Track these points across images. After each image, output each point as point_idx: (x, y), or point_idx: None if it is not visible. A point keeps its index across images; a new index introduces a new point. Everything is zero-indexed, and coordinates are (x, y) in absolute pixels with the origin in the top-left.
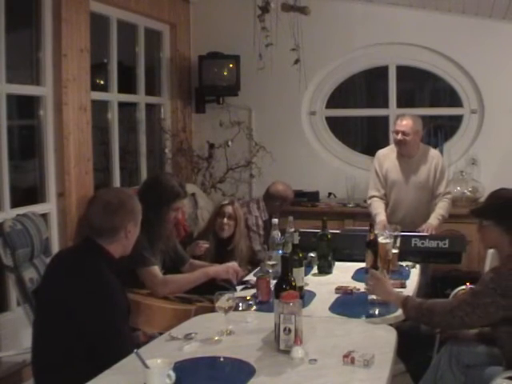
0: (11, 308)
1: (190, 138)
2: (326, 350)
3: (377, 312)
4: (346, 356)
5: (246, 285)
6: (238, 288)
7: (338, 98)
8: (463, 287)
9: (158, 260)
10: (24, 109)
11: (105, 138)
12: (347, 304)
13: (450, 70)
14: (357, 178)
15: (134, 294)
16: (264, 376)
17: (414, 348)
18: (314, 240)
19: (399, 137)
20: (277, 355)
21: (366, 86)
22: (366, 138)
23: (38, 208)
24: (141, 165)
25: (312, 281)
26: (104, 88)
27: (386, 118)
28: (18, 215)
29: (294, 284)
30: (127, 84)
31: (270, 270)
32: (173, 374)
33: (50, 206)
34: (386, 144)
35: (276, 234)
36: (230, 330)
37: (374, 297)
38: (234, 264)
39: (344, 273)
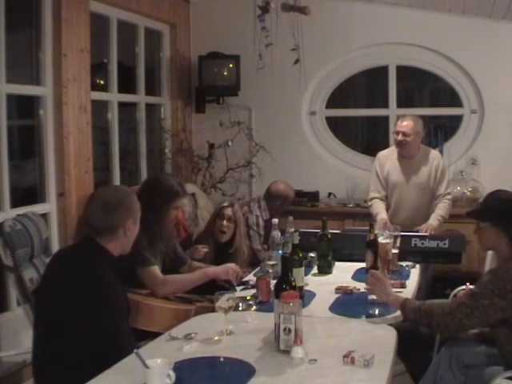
0: (11, 308)
1: (190, 138)
2: (326, 350)
3: (377, 312)
4: (345, 356)
5: (246, 285)
6: (238, 288)
7: (337, 98)
8: (463, 287)
9: (158, 260)
10: (24, 109)
11: (105, 138)
12: (347, 304)
13: (450, 70)
14: (357, 178)
15: (134, 294)
16: (264, 376)
17: (413, 348)
18: (314, 240)
19: (400, 137)
20: (277, 355)
21: (365, 85)
22: (366, 138)
23: (37, 208)
24: (141, 165)
25: (312, 281)
26: (104, 88)
27: (385, 118)
28: (18, 215)
29: (294, 284)
30: (127, 84)
31: (270, 270)
32: (173, 374)
33: (49, 206)
34: (385, 144)
35: (276, 234)
36: (230, 329)
37: (373, 297)
38: (233, 265)
39: (344, 273)
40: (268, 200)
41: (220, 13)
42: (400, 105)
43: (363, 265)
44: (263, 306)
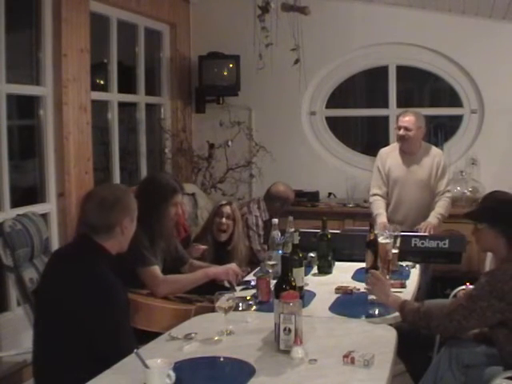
0: (11, 308)
1: (190, 138)
2: (326, 350)
3: (377, 312)
4: (346, 356)
5: (247, 285)
6: (238, 288)
7: (337, 98)
8: (463, 287)
9: (159, 260)
10: (24, 109)
11: (105, 138)
12: (347, 304)
13: (450, 70)
14: (357, 178)
15: (134, 294)
16: (264, 376)
17: (413, 348)
18: (314, 240)
19: (401, 132)
20: (277, 355)
21: (365, 85)
22: (366, 138)
23: (37, 208)
24: (141, 165)
25: (312, 281)
26: (104, 88)
27: (385, 118)
28: (18, 215)
29: (293, 284)
30: (127, 84)
31: (270, 270)
32: (173, 374)
33: (50, 206)
34: (385, 144)
35: (276, 234)
36: (230, 329)
37: (373, 297)
38: (233, 265)
39: (344, 273)
40: (268, 201)
41: (220, 13)
42: (400, 105)
43: (363, 265)
44: (263, 305)
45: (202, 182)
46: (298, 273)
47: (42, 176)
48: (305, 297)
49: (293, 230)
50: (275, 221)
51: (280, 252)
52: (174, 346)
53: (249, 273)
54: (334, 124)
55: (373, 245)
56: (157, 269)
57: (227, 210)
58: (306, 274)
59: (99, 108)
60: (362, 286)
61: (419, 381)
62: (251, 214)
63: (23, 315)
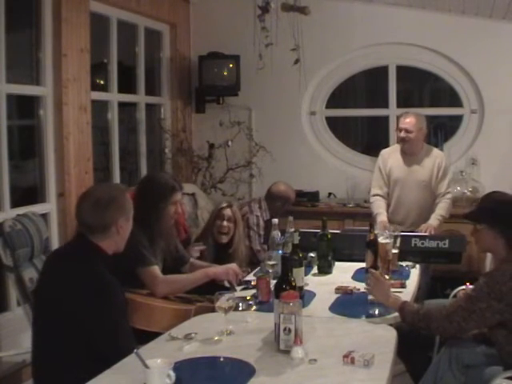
0: (11, 308)
1: (190, 138)
2: (326, 350)
3: (377, 312)
4: (346, 356)
5: (248, 285)
6: (238, 288)
7: (338, 98)
8: (463, 287)
9: (159, 259)
10: (24, 109)
11: (105, 138)
12: (347, 304)
13: (450, 70)
14: (357, 178)
15: (134, 294)
16: (264, 376)
17: (413, 348)
18: (314, 240)
19: (402, 134)
20: (277, 355)
21: (365, 86)
22: (366, 138)
23: (37, 208)
24: (141, 165)
25: (312, 281)
26: (104, 88)
27: (386, 118)
28: (18, 215)
29: (293, 284)
30: (127, 84)
31: (270, 270)
32: (173, 374)
33: (50, 206)
34: (385, 144)
35: (276, 234)
36: (230, 329)
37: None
38: (234, 265)
39: (344, 273)
40: (269, 201)
41: (220, 13)
42: (400, 105)
43: (363, 265)
44: (263, 305)
45: (202, 182)
46: (297, 273)
47: (41, 176)
48: (305, 297)
49: (293, 229)
50: (275, 221)
51: (280, 252)
52: (173, 346)
53: (249, 273)
54: (334, 124)
55: (373, 245)
56: (156, 269)
57: (228, 212)
58: (306, 274)
59: (99, 108)
60: (361, 286)
61: (419, 381)
62: (252, 213)
63: (23, 315)
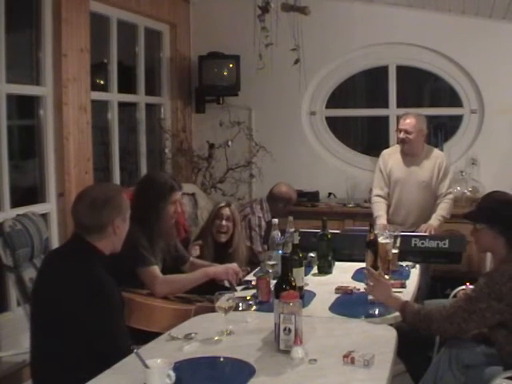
0: (11, 308)
1: (190, 138)
2: (326, 350)
3: (377, 312)
4: (345, 356)
5: (248, 285)
6: (238, 288)
7: (338, 98)
8: (463, 287)
9: (159, 259)
10: (24, 109)
11: (105, 138)
12: (347, 304)
13: (450, 70)
14: (357, 178)
15: (134, 294)
16: (264, 376)
17: (413, 348)
18: (314, 240)
19: (402, 135)
20: (277, 355)
21: (365, 85)
22: (366, 138)
23: (37, 208)
24: (141, 165)
25: (312, 281)
26: (104, 88)
27: (386, 118)
28: (18, 215)
29: (293, 284)
30: (127, 84)
31: (270, 270)
32: (173, 374)
33: (50, 206)
34: (386, 144)
35: (276, 234)
36: (230, 329)
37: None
38: (234, 265)
39: (344, 273)
40: (270, 202)
41: (220, 13)
42: (400, 105)
43: (363, 265)
44: (263, 305)
45: (202, 182)
46: (297, 273)
47: (41, 176)
48: (305, 297)
49: (293, 229)
50: (275, 221)
51: (280, 252)
52: (174, 346)
53: (249, 273)
54: (334, 124)
55: (373, 245)
56: (156, 269)
57: (226, 211)
58: (306, 274)
59: (99, 108)
60: (361, 286)
61: (419, 381)
62: (254, 214)
63: (23, 315)
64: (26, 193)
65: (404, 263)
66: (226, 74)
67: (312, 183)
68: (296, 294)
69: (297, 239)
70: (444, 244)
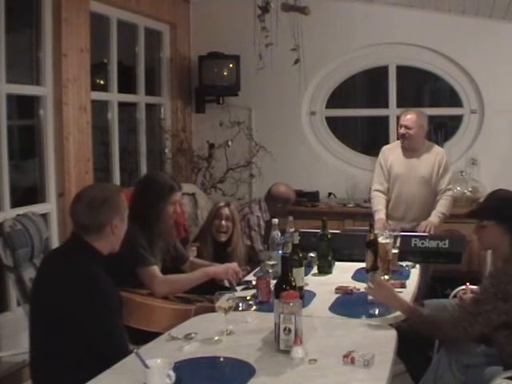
0: (11, 308)
1: (190, 138)
2: (326, 350)
3: (377, 312)
4: (345, 356)
5: (248, 285)
6: (238, 288)
7: (338, 98)
8: (463, 287)
9: (158, 259)
10: (24, 109)
11: (105, 138)
12: (347, 304)
13: (450, 70)
14: (357, 178)
15: (134, 294)
16: (264, 376)
17: (413, 348)
18: (314, 240)
19: (402, 130)
20: (277, 355)
21: (365, 85)
22: (366, 137)
23: (38, 208)
24: (141, 165)
25: (312, 281)
26: (104, 88)
27: (386, 118)
28: (18, 215)
29: (294, 284)
30: (127, 84)
31: (270, 270)
32: (173, 374)
33: (49, 206)
34: (386, 144)
35: (276, 234)
36: (230, 329)
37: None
38: (234, 264)
39: (344, 273)
40: (269, 202)
41: (220, 13)
42: (400, 105)
43: (363, 265)
44: (263, 305)
45: (202, 182)
46: (297, 273)
47: (41, 176)
48: (305, 297)
49: (293, 230)
50: (275, 221)
51: (280, 252)
52: (174, 346)
53: (249, 272)
54: (334, 124)
55: (373, 245)
56: (156, 269)
57: (226, 211)
58: (306, 274)
59: (99, 108)
60: (361, 286)
61: (419, 381)
62: (253, 214)
63: (23, 315)
64: (26, 193)
65: (404, 263)
66: (225, 73)
67: (312, 183)
68: (296, 294)
69: (297, 239)
70: (444, 244)
